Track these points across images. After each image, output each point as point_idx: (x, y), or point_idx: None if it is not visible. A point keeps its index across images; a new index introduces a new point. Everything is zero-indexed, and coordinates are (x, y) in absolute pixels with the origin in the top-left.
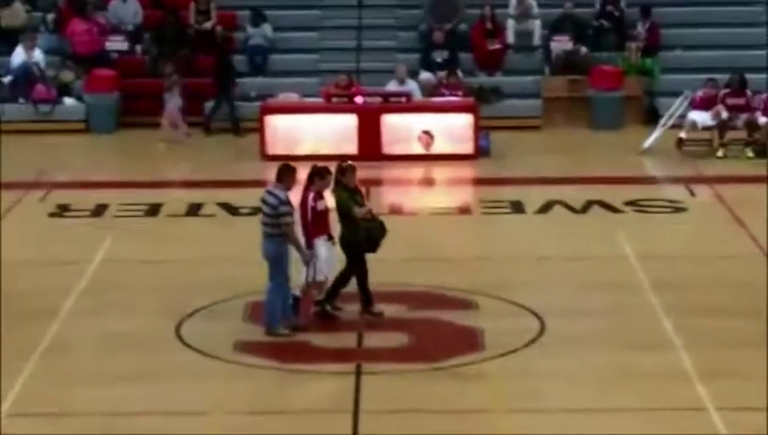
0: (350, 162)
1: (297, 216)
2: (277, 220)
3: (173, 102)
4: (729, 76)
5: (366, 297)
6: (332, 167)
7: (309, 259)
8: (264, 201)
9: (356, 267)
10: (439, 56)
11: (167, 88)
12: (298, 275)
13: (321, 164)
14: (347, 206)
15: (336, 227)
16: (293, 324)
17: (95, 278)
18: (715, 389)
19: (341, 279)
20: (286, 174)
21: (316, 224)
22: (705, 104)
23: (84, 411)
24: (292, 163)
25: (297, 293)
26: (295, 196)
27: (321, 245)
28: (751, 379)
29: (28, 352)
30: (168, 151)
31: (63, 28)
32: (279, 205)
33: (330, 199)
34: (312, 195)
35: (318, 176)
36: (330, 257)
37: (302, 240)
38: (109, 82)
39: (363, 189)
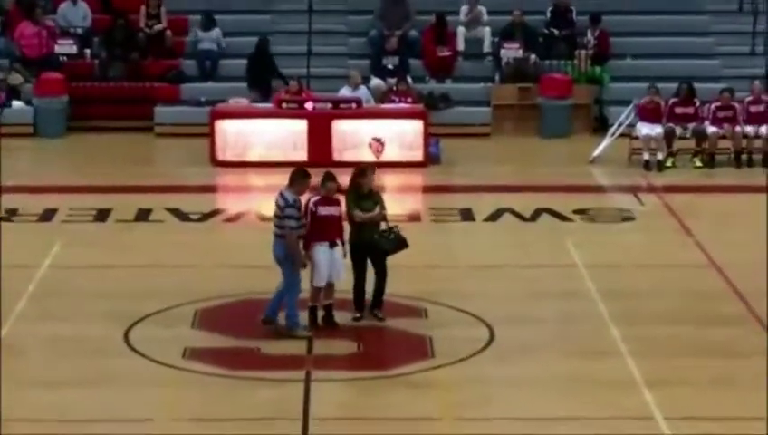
0: (369, 164)
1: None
2: (282, 222)
3: None
4: (678, 85)
5: (358, 302)
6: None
7: (301, 266)
8: (275, 202)
9: (356, 270)
10: (390, 63)
11: None
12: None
13: (329, 169)
14: (347, 209)
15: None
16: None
17: (43, 283)
18: (662, 397)
19: (376, 286)
20: (296, 179)
21: (316, 229)
22: (650, 114)
23: (31, 417)
24: (307, 169)
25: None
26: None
27: (320, 251)
28: (697, 387)
29: None
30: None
31: (11, 31)
32: (285, 207)
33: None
34: (313, 199)
35: (321, 181)
36: (331, 263)
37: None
38: (57, 86)
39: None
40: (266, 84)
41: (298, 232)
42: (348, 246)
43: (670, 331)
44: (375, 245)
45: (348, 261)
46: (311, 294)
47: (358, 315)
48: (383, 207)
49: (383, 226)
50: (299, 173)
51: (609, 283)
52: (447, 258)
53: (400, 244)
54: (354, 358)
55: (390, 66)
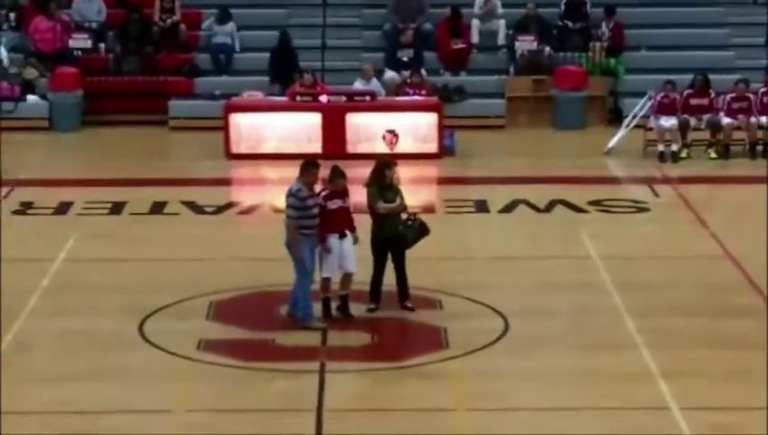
0: (391, 159)
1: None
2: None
3: None
4: (693, 76)
5: (375, 294)
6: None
7: (295, 257)
8: None
9: (376, 262)
10: (405, 55)
11: None
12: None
13: (337, 164)
14: (371, 201)
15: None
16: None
17: (58, 276)
18: (677, 388)
19: (399, 278)
20: (304, 170)
21: (327, 222)
22: (666, 108)
23: (47, 410)
24: (317, 160)
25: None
26: None
27: (331, 243)
28: (712, 378)
29: None
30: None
31: (26, 26)
32: (287, 196)
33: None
34: (323, 194)
35: (330, 177)
36: (340, 254)
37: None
38: (72, 80)
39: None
40: (288, 77)
41: (297, 223)
42: (356, 235)
43: (685, 322)
44: (399, 236)
45: (365, 253)
46: (321, 285)
47: (372, 307)
48: (403, 198)
49: (404, 215)
50: (307, 164)
51: (624, 274)
52: (462, 250)
53: (423, 231)
54: (368, 349)
55: (405, 59)
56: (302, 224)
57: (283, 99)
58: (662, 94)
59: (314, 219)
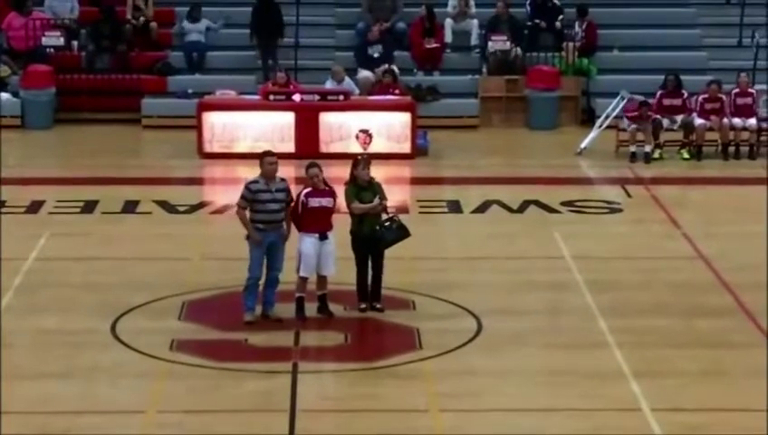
0: (364, 155)
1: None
2: None
3: None
4: (665, 77)
5: (362, 293)
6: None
7: (250, 239)
8: None
9: (358, 262)
10: (375, 51)
11: None
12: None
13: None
14: (347, 200)
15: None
16: (256, 316)
17: (30, 275)
18: (649, 388)
19: (374, 277)
20: (260, 161)
21: (306, 220)
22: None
23: (19, 410)
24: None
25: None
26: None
27: (308, 242)
28: (685, 378)
29: None
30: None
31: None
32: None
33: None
34: (305, 190)
35: (305, 170)
36: (321, 255)
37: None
38: (45, 78)
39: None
40: (272, 35)
41: (251, 216)
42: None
43: (658, 322)
44: (377, 237)
45: (343, 253)
46: (297, 285)
47: (363, 306)
48: (384, 198)
49: (384, 215)
50: (262, 155)
51: (597, 274)
52: (435, 250)
53: (403, 233)
54: (342, 350)
55: (376, 55)
56: (254, 218)
57: (256, 97)
58: (631, 107)
59: (268, 214)
